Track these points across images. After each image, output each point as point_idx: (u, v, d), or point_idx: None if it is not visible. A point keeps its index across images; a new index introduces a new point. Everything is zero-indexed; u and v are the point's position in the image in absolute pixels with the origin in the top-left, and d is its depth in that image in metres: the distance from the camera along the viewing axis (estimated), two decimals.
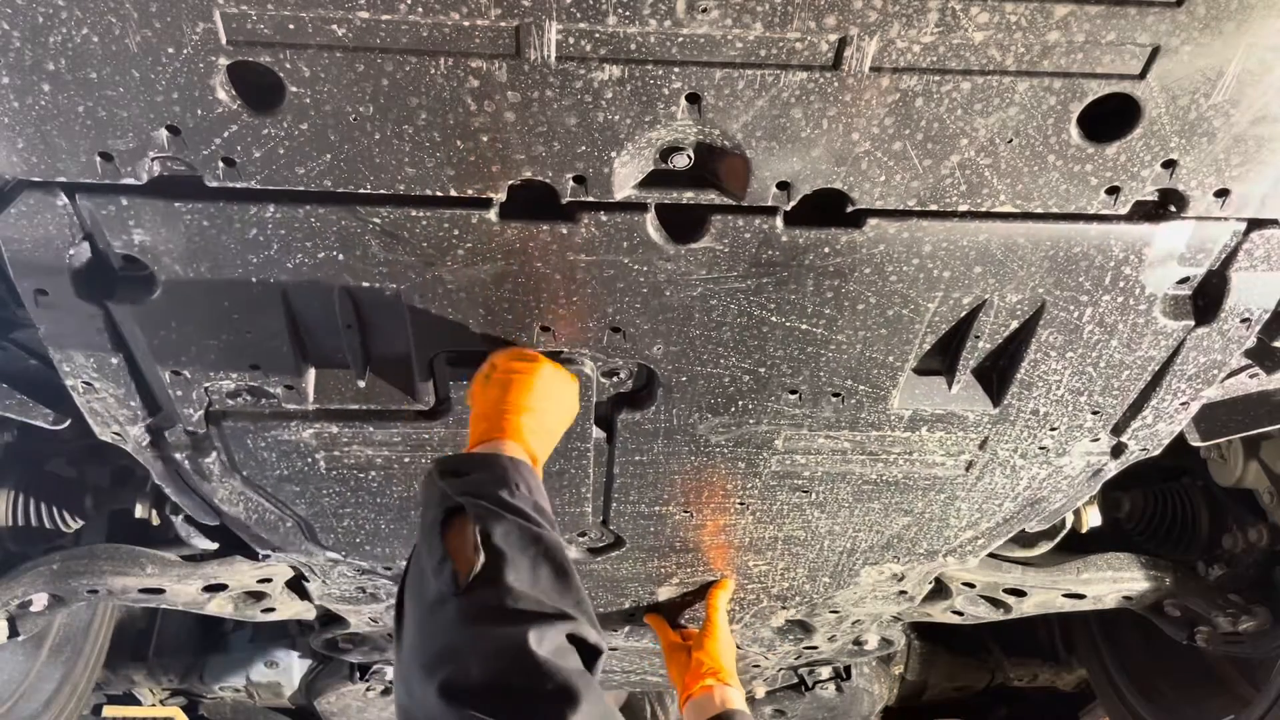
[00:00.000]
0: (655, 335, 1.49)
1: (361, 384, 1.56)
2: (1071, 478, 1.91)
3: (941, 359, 1.61)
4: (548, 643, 1.04)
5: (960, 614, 2.81)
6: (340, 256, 1.33)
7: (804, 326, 1.47)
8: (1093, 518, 2.43)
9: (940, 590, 2.70)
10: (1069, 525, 2.41)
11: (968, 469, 1.87)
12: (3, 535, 2.57)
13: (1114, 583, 2.69)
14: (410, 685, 1.06)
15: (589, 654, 1.10)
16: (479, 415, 1.40)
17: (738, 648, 3.10)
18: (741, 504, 1.99)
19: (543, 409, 1.40)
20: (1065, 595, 2.69)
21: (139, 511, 2.31)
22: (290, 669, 3.83)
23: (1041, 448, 1.79)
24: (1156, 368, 1.57)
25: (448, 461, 1.28)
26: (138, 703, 4.07)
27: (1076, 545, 2.61)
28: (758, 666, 3.43)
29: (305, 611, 2.80)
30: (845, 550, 2.19)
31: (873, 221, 1.30)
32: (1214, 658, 3.14)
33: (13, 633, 2.61)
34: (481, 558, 1.11)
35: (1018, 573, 2.63)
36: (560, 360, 1.53)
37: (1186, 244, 1.35)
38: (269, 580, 2.53)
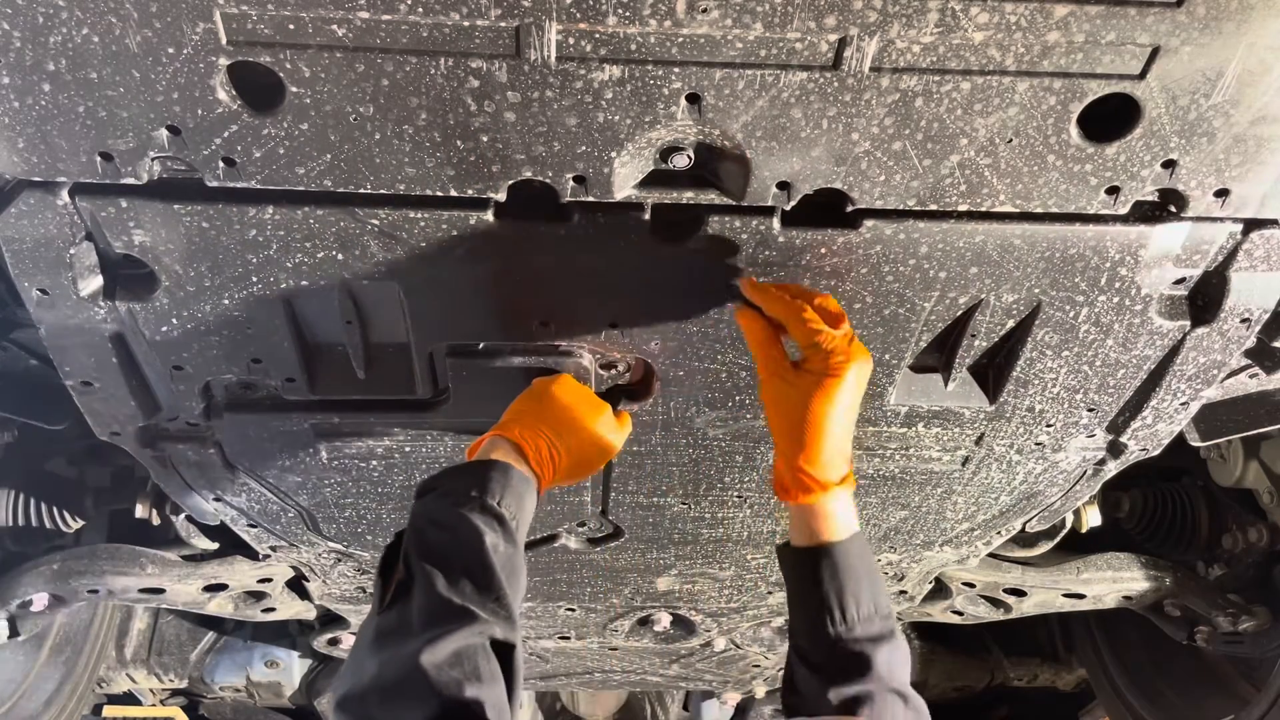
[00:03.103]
0: (653, 331, 1.50)
1: (361, 375, 1.56)
2: (1067, 473, 1.91)
3: (938, 356, 1.62)
4: (441, 651, 1.07)
5: (960, 614, 2.81)
6: (339, 256, 1.33)
7: None
8: (1093, 518, 2.43)
9: (940, 590, 2.70)
10: (1069, 525, 2.41)
11: (964, 464, 1.87)
12: (3, 535, 2.58)
13: (1114, 583, 2.69)
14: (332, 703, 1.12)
15: (502, 650, 1.14)
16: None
17: (737, 647, 3.10)
18: (740, 497, 2.00)
19: (549, 405, 1.44)
20: (1065, 595, 2.70)
21: (139, 511, 2.32)
22: (290, 669, 3.83)
23: (1037, 444, 1.79)
24: (1152, 367, 1.58)
25: (423, 482, 1.33)
26: (138, 703, 4.07)
27: (1076, 545, 2.61)
28: (758, 666, 3.44)
29: (305, 611, 2.80)
30: None
31: (869, 223, 1.31)
32: (1214, 658, 3.15)
33: (13, 633, 2.61)
34: (400, 575, 1.18)
35: (1018, 573, 2.63)
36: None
37: (1182, 245, 1.35)
38: (269, 580, 2.53)
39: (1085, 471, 1.92)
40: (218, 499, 1.93)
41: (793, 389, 1.28)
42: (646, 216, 1.31)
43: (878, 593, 1.28)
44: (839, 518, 1.30)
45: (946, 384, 1.63)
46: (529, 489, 1.34)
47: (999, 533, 2.23)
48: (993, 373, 1.64)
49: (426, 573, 1.15)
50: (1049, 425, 1.73)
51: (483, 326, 1.48)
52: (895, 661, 1.24)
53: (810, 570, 1.30)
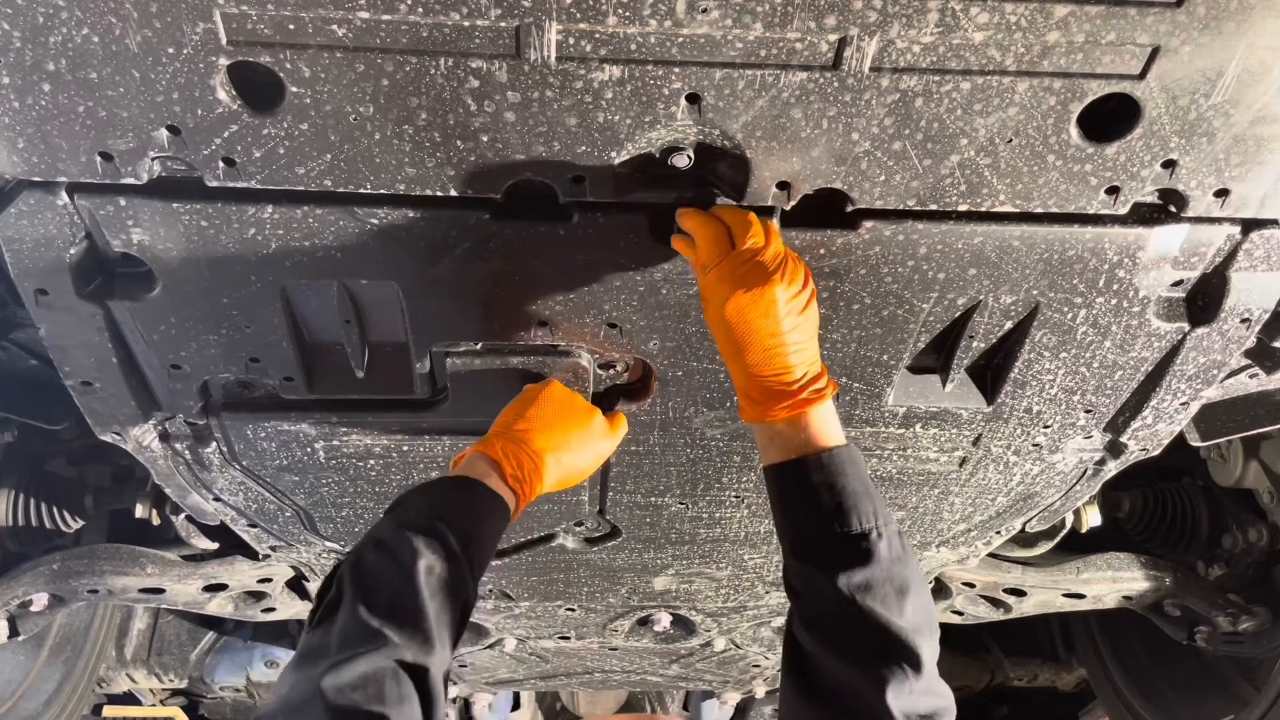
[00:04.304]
0: (652, 331, 1.50)
1: (360, 375, 1.56)
2: (1064, 474, 1.92)
3: (936, 357, 1.62)
4: (347, 674, 1.08)
5: (960, 614, 2.81)
6: (338, 255, 1.33)
7: None
8: (1093, 518, 2.43)
9: (940, 590, 2.70)
10: (1069, 525, 2.42)
11: (961, 465, 1.87)
12: (3, 535, 2.58)
13: (1114, 583, 2.69)
14: None
15: (418, 673, 1.14)
16: None
17: (737, 647, 3.11)
18: (737, 497, 2.00)
19: (537, 415, 1.45)
20: (1065, 595, 2.70)
21: (139, 511, 2.32)
22: None
23: (1034, 445, 1.79)
24: (1150, 369, 1.58)
25: (395, 500, 1.35)
26: (138, 703, 4.07)
27: (1076, 545, 2.61)
28: (758, 666, 3.44)
29: (305, 611, 2.80)
30: None
31: (868, 224, 1.31)
32: (1214, 658, 3.15)
33: (13, 633, 2.61)
34: (330, 595, 1.20)
35: (1018, 573, 2.63)
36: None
37: (1180, 248, 1.35)
38: (269, 580, 2.53)
39: (1084, 472, 1.92)
40: (217, 499, 1.93)
41: (708, 314, 1.27)
42: (646, 217, 1.31)
43: (879, 508, 1.21)
44: (800, 434, 1.24)
45: (944, 385, 1.63)
46: (495, 508, 1.34)
47: (998, 533, 2.23)
48: (990, 374, 1.64)
49: (352, 594, 1.17)
50: (1046, 426, 1.73)
51: (481, 326, 1.48)
52: (897, 556, 1.17)
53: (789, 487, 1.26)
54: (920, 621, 1.15)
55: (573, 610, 2.69)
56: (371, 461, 1.82)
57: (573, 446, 1.46)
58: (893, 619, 1.13)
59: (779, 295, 1.19)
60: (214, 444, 1.72)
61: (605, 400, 1.66)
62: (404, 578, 1.19)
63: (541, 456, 1.42)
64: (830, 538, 1.20)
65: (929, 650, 1.13)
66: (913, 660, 1.10)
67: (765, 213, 1.30)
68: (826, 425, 1.25)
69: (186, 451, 1.74)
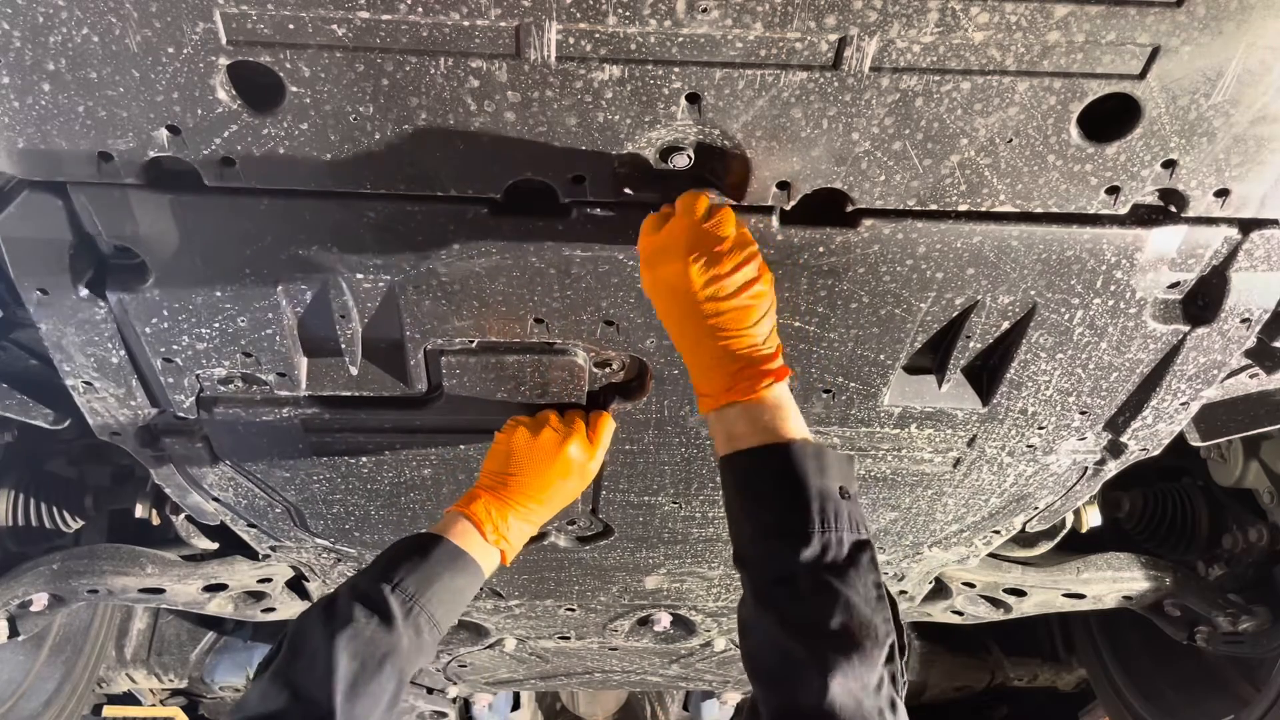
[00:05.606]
0: (648, 329, 1.50)
1: (354, 371, 1.56)
2: (1058, 475, 1.92)
3: (932, 358, 1.62)
4: None
5: (960, 614, 2.81)
6: (334, 250, 1.33)
7: (796, 324, 1.47)
8: (1093, 518, 2.43)
9: (940, 590, 2.70)
10: (1069, 525, 2.42)
11: (955, 466, 1.87)
12: (3, 535, 2.58)
13: (1114, 583, 2.70)
14: None
15: None
16: None
17: (737, 647, 3.10)
18: None
19: (512, 466, 1.54)
20: (1065, 595, 2.70)
21: (139, 511, 2.32)
22: None
23: (1029, 446, 1.79)
24: (1146, 370, 1.58)
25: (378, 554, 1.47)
26: (138, 703, 4.07)
27: (1076, 545, 2.61)
28: None
29: None
30: None
31: (867, 222, 1.31)
32: (1214, 658, 3.15)
33: (13, 633, 2.61)
34: (272, 650, 1.33)
35: (1018, 573, 2.63)
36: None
37: (1178, 249, 1.35)
38: (269, 580, 2.53)
39: (1084, 471, 1.92)
40: (215, 499, 1.93)
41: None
42: (645, 214, 1.31)
43: (818, 507, 1.12)
44: (735, 425, 1.19)
45: (940, 385, 1.63)
46: (458, 568, 1.44)
47: (996, 532, 2.23)
48: (986, 375, 1.64)
49: (283, 654, 1.28)
50: (1041, 427, 1.73)
51: (477, 323, 1.48)
52: (833, 563, 1.08)
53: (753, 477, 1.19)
54: (845, 644, 1.04)
55: (572, 610, 2.69)
56: (364, 458, 1.82)
57: (552, 486, 1.56)
58: (805, 638, 1.04)
59: (694, 277, 1.15)
60: (204, 438, 1.71)
61: (600, 398, 1.66)
62: (327, 646, 1.27)
63: (527, 500, 1.53)
64: (749, 541, 1.17)
65: (849, 677, 1.01)
66: (813, 690, 1.00)
67: (764, 211, 1.30)
68: (764, 420, 1.18)
69: (176, 446, 1.73)
